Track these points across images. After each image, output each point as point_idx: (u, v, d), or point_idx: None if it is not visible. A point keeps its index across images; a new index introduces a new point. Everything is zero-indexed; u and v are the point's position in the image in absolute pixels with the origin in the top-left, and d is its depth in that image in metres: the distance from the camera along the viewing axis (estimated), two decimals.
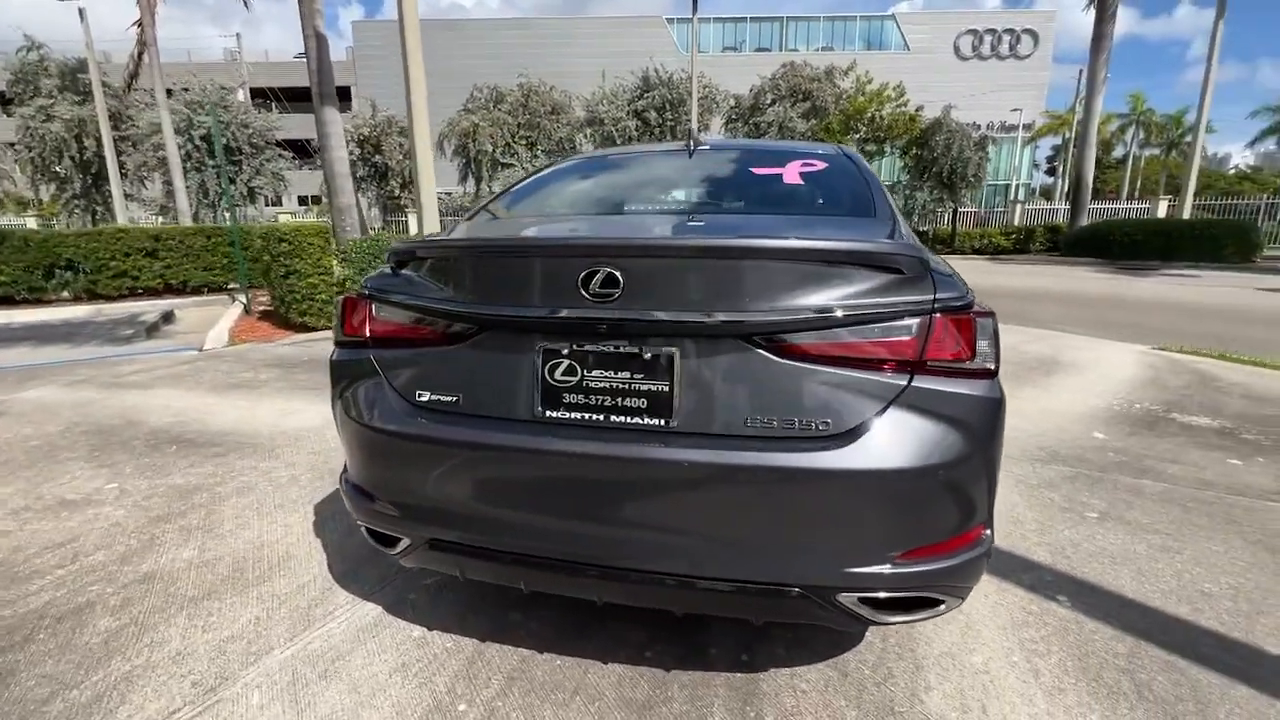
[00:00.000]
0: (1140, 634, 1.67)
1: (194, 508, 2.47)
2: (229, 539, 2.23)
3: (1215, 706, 1.42)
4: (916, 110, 17.17)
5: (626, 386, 1.26)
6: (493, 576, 1.47)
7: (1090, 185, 17.25)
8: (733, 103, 19.07)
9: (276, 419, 3.58)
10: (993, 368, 1.22)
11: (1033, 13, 35.43)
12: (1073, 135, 27.60)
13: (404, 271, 1.49)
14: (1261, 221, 16.66)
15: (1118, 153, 43.06)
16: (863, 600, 1.21)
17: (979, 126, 20.81)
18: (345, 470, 1.61)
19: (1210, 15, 15.46)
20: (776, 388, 1.20)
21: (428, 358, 1.42)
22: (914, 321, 1.17)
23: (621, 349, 1.26)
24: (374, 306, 1.49)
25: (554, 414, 1.30)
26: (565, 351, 1.29)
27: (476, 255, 1.45)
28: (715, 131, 19.32)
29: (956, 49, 35.32)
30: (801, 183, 1.89)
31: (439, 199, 8.30)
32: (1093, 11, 16.19)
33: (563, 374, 1.29)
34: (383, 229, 17.14)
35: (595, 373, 1.27)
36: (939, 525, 1.21)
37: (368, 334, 1.50)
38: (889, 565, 1.19)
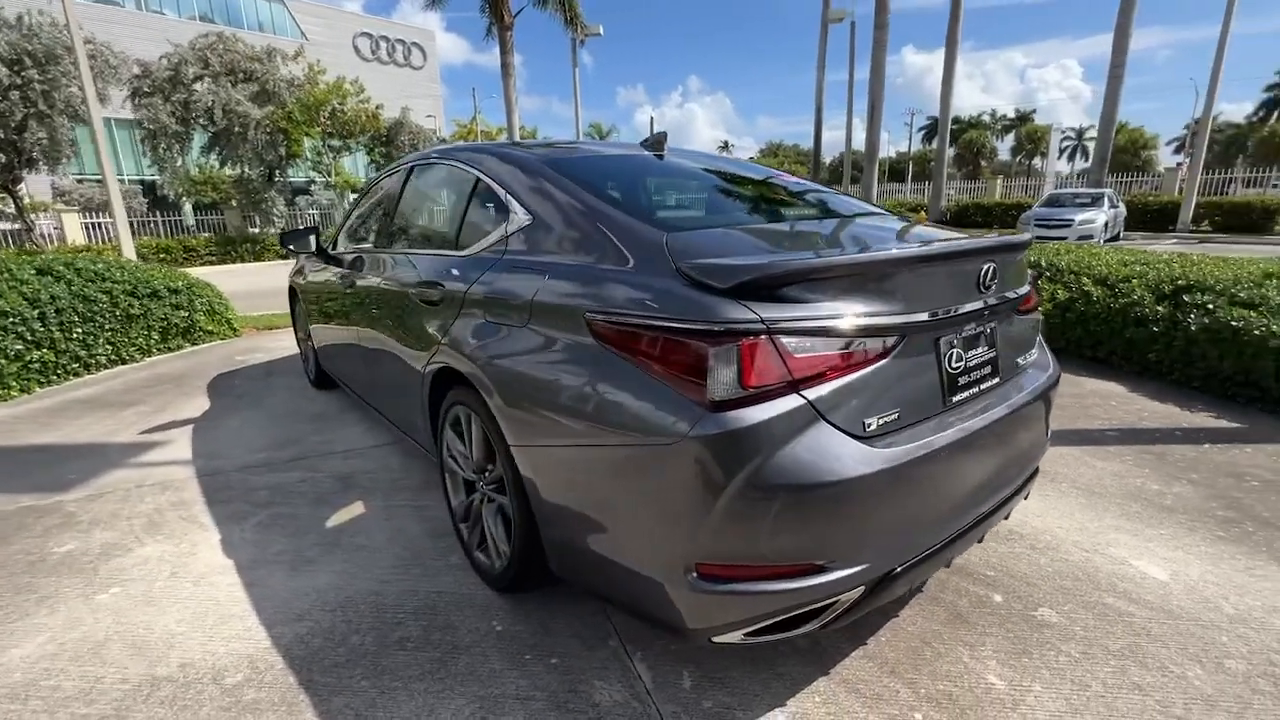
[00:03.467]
0: None
1: None
2: None
3: None
4: (377, 108, 17.49)
5: (980, 359, 1.59)
6: (918, 578, 1.53)
7: None
8: (138, 70, 14.80)
9: None
10: None
11: (417, 28, 39.46)
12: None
13: (786, 292, 1.28)
14: None
15: None
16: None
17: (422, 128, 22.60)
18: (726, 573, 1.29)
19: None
20: (1022, 338, 1.78)
21: (861, 382, 1.32)
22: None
23: (985, 329, 1.59)
24: (791, 341, 1.26)
25: (955, 398, 1.51)
26: (956, 340, 1.51)
27: (896, 267, 1.42)
28: (121, 104, 14.69)
29: (356, 48, 36.17)
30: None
31: None
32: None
33: (955, 361, 1.51)
34: None
35: (969, 353, 1.56)
36: None
37: (791, 377, 1.25)
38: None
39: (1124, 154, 46.23)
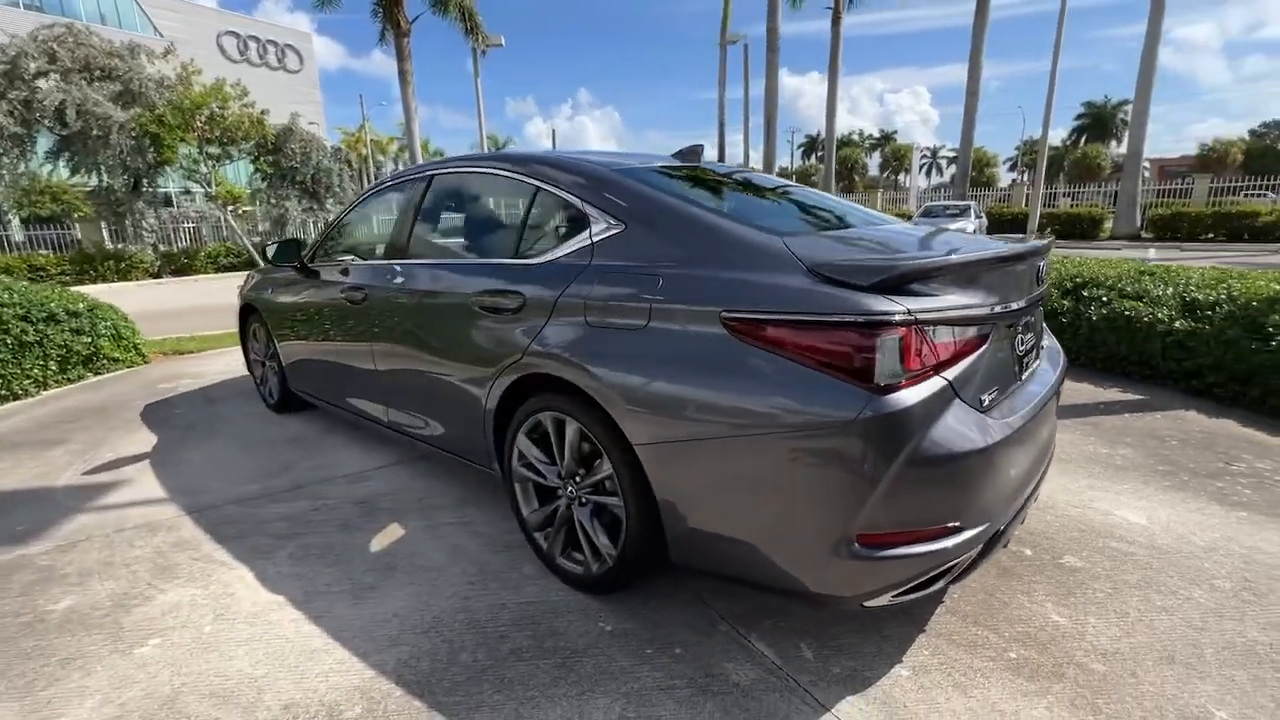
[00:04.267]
0: None
1: None
2: None
3: None
4: (262, 113, 16.14)
5: (1030, 342, 1.87)
6: (1009, 537, 1.76)
7: None
8: None
9: None
10: None
11: (292, 30, 36.86)
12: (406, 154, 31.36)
13: (914, 288, 1.45)
14: None
15: (387, 168, 50.90)
16: None
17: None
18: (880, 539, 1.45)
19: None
20: (1040, 324, 2.06)
21: (976, 363, 1.53)
22: None
23: (1033, 315, 1.86)
24: (932, 330, 1.43)
25: (1022, 375, 1.80)
26: (1021, 325, 1.78)
27: (994, 264, 1.65)
28: None
29: (221, 48, 33.21)
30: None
31: None
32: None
33: (1021, 344, 1.79)
34: None
35: (1026, 336, 1.83)
36: None
37: (935, 361, 1.44)
38: None
39: (972, 170, 52.32)
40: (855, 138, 68.00)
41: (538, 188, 2.17)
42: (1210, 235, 17.01)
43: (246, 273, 4.36)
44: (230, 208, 17.44)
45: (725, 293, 1.58)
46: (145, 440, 3.65)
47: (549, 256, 2.05)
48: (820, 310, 1.43)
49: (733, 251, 1.67)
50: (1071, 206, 22.86)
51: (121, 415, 4.13)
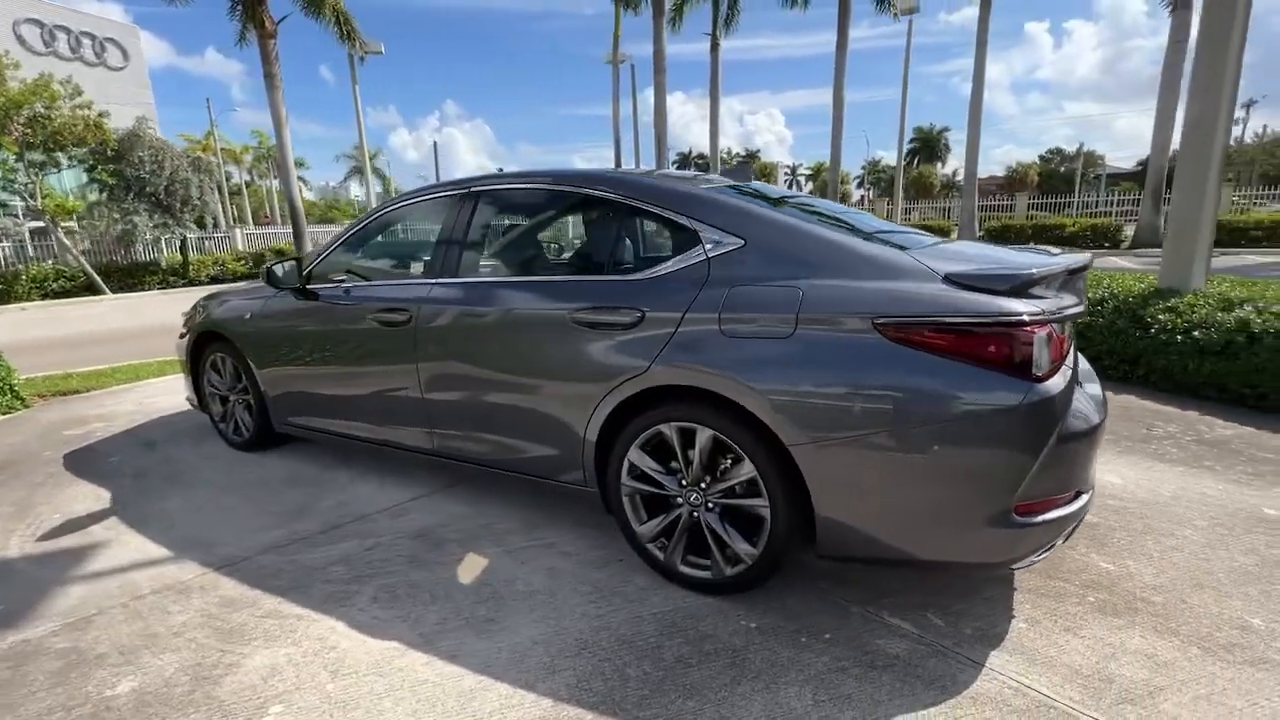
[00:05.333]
0: None
1: None
2: None
3: None
4: (100, 115, 14.04)
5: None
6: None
7: (302, 210, 19.21)
8: None
9: None
10: None
11: (115, 22, 32.39)
12: (277, 161, 28.24)
13: (1033, 292, 1.71)
14: None
15: (243, 180, 46.12)
16: None
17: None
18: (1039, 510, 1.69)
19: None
20: None
21: (1073, 353, 1.94)
22: None
23: None
24: (1058, 327, 1.70)
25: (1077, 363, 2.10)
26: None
27: (1075, 272, 1.93)
28: None
29: (21, 38, 28.36)
30: None
31: None
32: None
33: (1070, 336, 1.99)
34: None
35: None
36: None
37: (1060, 353, 1.72)
38: None
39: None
40: (724, 155, 72.18)
41: (632, 206, 2.22)
42: (1030, 242, 20.16)
43: (202, 295, 3.87)
44: (64, 224, 14.93)
45: (875, 301, 1.76)
46: (91, 495, 3.13)
47: (659, 271, 2.10)
48: (979, 313, 1.65)
49: (866, 264, 1.85)
50: (921, 219, 25.96)
51: (39, 470, 3.49)
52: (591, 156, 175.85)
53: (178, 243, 16.63)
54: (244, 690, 1.76)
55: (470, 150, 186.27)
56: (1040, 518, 1.69)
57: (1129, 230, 18.37)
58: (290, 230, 20.36)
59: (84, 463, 3.59)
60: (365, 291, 2.87)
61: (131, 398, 5.02)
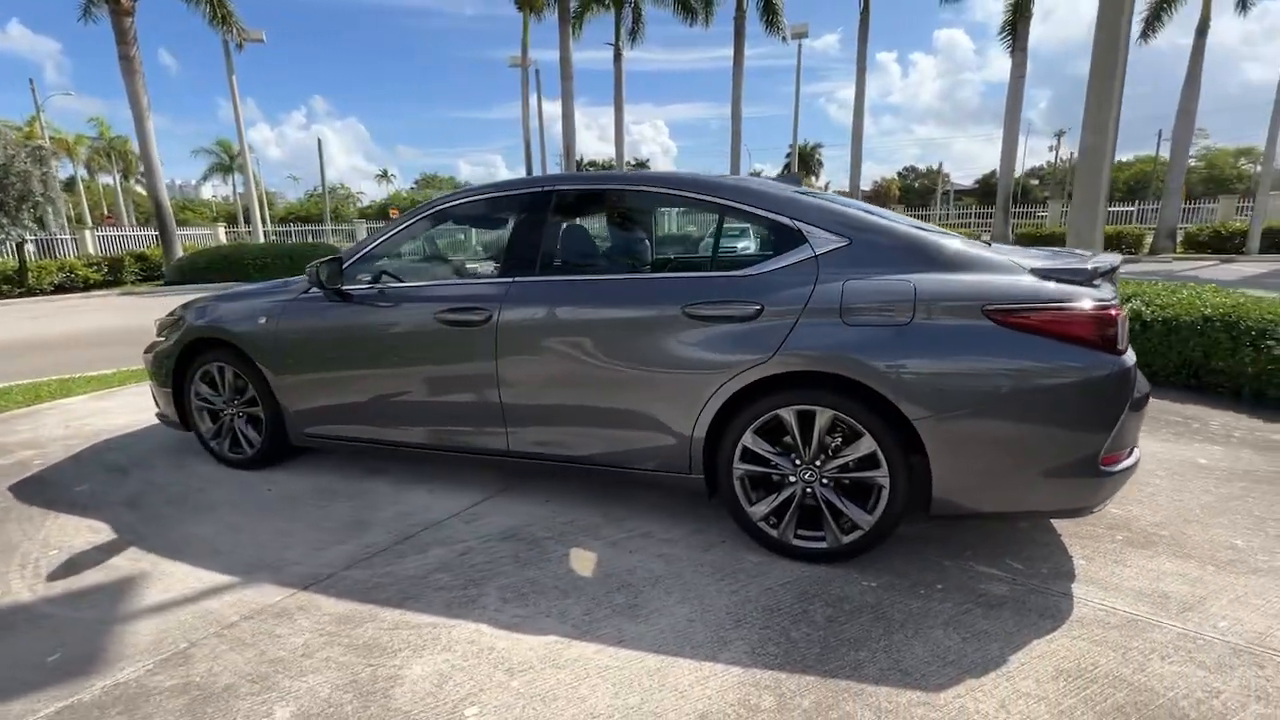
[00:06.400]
0: None
1: None
2: None
3: None
4: None
5: None
6: None
7: (171, 212, 17.12)
8: None
9: None
10: None
11: None
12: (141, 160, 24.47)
13: (1095, 281, 2.07)
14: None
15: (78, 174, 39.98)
16: None
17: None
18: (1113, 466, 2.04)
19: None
20: None
21: None
22: None
23: None
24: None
25: None
26: None
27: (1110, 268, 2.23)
28: None
29: None
30: None
31: None
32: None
33: None
34: None
35: None
36: None
37: (1127, 330, 2.06)
38: None
39: None
40: (606, 163, 73.32)
41: (734, 208, 2.38)
42: None
43: (189, 298, 3.47)
44: None
45: (983, 291, 2.05)
46: (84, 528, 2.74)
47: (770, 268, 2.28)
48: (1075, 300, 1.98)
49: (961, 260, 2.15)
50: None
51: (8, 505, 2.98)
52: (476, 161, 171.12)
53: (14, 246, 14.21)
54: (424, 698, 1.70)
55: (343, 150, 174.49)
56: (1118, 467, 2.07)
57: (985, 238, 21.05)
58: (155, 232, 18.14)
59: (41, 494, 3.10)
60: (428, 291, 2.78)
61: (50, 421, 4.34)
